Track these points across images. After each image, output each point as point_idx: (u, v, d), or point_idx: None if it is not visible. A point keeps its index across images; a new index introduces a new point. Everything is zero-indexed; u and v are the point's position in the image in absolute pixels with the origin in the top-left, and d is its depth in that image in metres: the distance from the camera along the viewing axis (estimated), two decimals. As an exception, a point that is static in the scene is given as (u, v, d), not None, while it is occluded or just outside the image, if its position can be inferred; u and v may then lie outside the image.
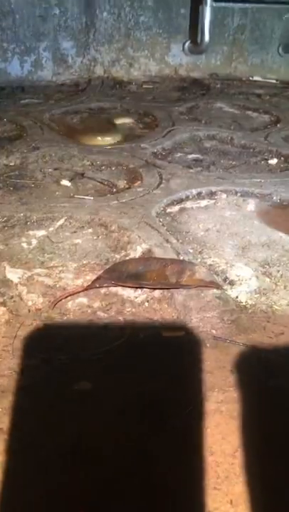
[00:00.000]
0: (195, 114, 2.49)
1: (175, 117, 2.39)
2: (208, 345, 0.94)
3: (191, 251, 1.25)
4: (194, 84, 3.13)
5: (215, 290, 1.09)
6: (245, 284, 1.13)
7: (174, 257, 1.21)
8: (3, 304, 1.04)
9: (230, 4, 3.22)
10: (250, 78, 3.40)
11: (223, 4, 3.16)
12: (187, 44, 3.25)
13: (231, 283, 1.14)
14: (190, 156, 1.93)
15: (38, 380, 0.86)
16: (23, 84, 2.98)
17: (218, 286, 1.10)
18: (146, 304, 1.06)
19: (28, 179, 1.65)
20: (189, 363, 0.90)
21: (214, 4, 3.02)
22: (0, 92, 2.83)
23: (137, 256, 1.21)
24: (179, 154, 1.95)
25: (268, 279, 1.16)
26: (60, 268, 1.16)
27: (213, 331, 0.97)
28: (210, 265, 1.20)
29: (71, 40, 3.10)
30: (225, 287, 1.12)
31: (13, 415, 0.78)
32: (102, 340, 0.95)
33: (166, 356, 0.92)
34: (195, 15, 3.19)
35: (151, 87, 3.06)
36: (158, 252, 1.22)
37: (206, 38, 3.10)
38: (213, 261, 1.22)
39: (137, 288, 1.07)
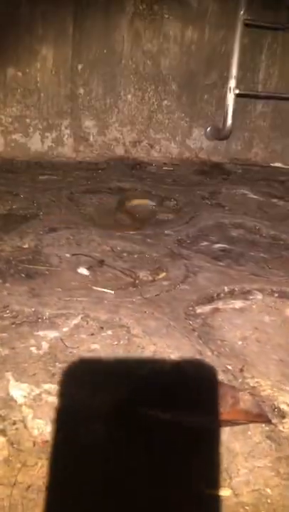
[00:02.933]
0: (218, 200, 2.39)
1: (198, 202, 2.29)
2: (264, 513, 0.72)
3: (229, 368, 1.06)
4: (215, 168, 3.09)
5: (263, 425, 0.89)
6: (298, 417, 0.93)
7: (211, 375, 1.01)
8: (3, 432, 0.84)
9: (254, 93, 3.25)
10: (271, 164, 3.37)
11: (246, 92, 3.19)
12: (209, 129, 3.24)
13: (281, 414, 0.93)
14: (216, 246, 1.79)
15: None
16: (42, 160, 2.93)
17: (267, 421, 0.89)
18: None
19: (42, 265, 1.50)
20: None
21: (238, 92, 3.04)
22: (18, 167, 2.78)
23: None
24: (204, 243, 1.81)
25: None
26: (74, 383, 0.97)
27: (268, 490, 0.76)
28: (253, 388, 1.00)
29: (94, 120, 3.10)
30: (274, 421, 0.91)
31: None
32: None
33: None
34: (218, 101, 3.21)
35: (171, 169, 3.01)
36: (191, 368, 1.03)
37: (229, 124, 3.10)
38: (256, 382, 1.02)
39: (166, 420, 0.87)
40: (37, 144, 3.02)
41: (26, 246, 1.62)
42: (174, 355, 1.07)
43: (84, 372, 1.01)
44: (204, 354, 1.09)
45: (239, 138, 3.36)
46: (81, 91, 3.02)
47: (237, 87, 3.03)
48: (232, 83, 3.02)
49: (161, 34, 3.02)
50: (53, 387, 0.95)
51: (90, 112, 3.08)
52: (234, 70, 3.00)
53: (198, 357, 1.07)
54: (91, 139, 3.14)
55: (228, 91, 3.04)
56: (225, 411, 0.89)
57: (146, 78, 3.07)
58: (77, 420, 0.88)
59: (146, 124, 3.18)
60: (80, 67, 2.97)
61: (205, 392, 0.91)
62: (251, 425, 0.88)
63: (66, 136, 3.06)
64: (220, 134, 3.19)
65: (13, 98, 2.90)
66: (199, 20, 3.05)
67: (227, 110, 3.08)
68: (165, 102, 3.16)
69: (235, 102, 3.07)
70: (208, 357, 1.08)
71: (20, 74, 2.85)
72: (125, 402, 0.90)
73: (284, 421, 0.92)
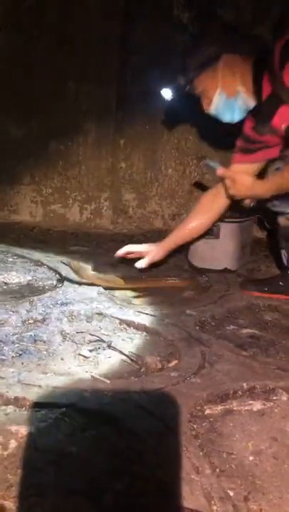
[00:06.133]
0: (255, 278, 2.20)
1: (232, 279, 2.11)
2: None
3: (231, 494, 0.83)
4: (258, 244, 2.91)
5: None
6: None
7: (204, 504, 0.80)
8: None
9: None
10: None
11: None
12: (253, 203, 3.11)
13: None
14: (244, 331, 1.58)
15: None
16: (79, 231, 2.91)
17: None
18: None
19: (42, 344, 1.36)
20: None
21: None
22: (53, 237, 2.76)
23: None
24: (230, 327, 1.61)
25: None
26: (35, 499, 0.79)
27: None
28: (259, 527, 0.77)
29: (133, 193, 3.08)
30: None
31: None
32: None
33: None
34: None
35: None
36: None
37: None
38: (263, 518, 0.79)
39: None
40: (75, 215, 3.02)
41: (32, 321, 1.50)
42: (162, 473, 0.86)
43: (48, 486, 0.83)
44: (202, 472, 0.87)
45: (285, 213, 3.19)
46: (122, 165, 3.03)
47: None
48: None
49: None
50: (5, 505, 0.77)
51: (130, 185, 3.06)
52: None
53: (193, 477, 0.86)
54: (130, 211, 3.10)
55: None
56: None
57: (188, 153, 3.04)
58: None
59: (187, 198, 3.10)
60: (122, 142, 2.99)
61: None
62: None
63: (105, 208, 3.05)
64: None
65: (54, 170, 2.94)
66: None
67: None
68: (207, 175, 3.09)
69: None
70: (206, 476, 0.86)
71: (62, 147, 2.91)
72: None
73: None
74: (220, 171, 1.71)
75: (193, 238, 2.06)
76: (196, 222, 1.98)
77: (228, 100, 1.65)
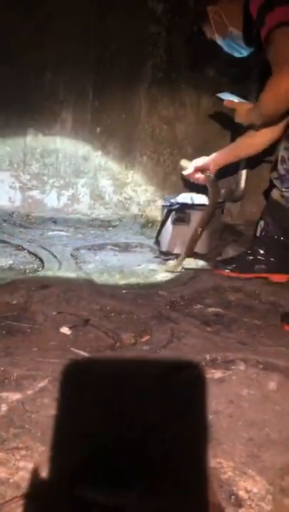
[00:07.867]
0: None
1: (200, 263, 2.26)
2: None
3: (191, 444, 0.99)
4: (226, 230, 3.07)
5: (214, 514, 0.82)
6: (256, 508, 0.85)
7: (168, 451, 0.95)
8: None
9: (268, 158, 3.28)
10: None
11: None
12: (223, 191, 3.26)
13: (238, 503, 0.86)
14: (210, 310, 1.74)
15: None
16: (56, 216, 3.01)
17: (219, 508, 0.82)
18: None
19: (26, 322, 1.50)
20: None
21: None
22: (32, 223, 2.86)
23: (121, 445, 0.97)
24: (198, 306, 1.77)
25: (287, 501, 0.87)
26: (23, 452, 0.93)
27: None
28: (213, 469, 0.93)
29: (110, 180, 3.19)
30: (228, 510, 0.84)
31: None
32: None
33: None
34: (233, 163, 3.25)
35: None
36: (148, 443, 0.97)
37: (242, 186, 3.12)
38: (218, 463, 0.95)
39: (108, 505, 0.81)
40: (53, 200, 3.11)
41: (15, 302, 1.63)
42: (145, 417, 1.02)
43: (35, 440, 0.97)
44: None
45: (253, 201, 3.36)
46: (98, 153, 3.13)
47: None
48: (246, 148, 3.06)
49: (177, 101, 3.13)
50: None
51: (106, 172, 3.17)
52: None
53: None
54: (106, 197, 3.21)
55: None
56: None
57: (162, 142, 3.16)
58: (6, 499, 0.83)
59: (161, 185, 3.23)
60: (98, 130, 3.09)
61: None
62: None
63: (82, 194, 3.15)
64: (233, 196, 3.21)
65: (32, 157, 3.03)
66: (214, 90, 3.15)
67: (241, 174, 3.11)
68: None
69: (249, 166, 3.10)
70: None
71: (40, 135, 3.00)
72: (72, 480, 0.85)
73: (239, 511, 0.84)
74: (226, 102, 2.08)
75: (248, 155, 2.38)
76: (248, 141, 2.21)
77: (227, 41, 1.97)
